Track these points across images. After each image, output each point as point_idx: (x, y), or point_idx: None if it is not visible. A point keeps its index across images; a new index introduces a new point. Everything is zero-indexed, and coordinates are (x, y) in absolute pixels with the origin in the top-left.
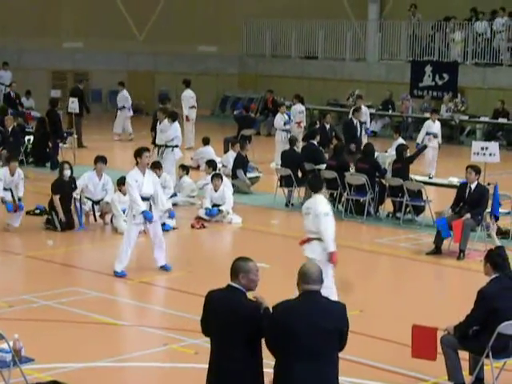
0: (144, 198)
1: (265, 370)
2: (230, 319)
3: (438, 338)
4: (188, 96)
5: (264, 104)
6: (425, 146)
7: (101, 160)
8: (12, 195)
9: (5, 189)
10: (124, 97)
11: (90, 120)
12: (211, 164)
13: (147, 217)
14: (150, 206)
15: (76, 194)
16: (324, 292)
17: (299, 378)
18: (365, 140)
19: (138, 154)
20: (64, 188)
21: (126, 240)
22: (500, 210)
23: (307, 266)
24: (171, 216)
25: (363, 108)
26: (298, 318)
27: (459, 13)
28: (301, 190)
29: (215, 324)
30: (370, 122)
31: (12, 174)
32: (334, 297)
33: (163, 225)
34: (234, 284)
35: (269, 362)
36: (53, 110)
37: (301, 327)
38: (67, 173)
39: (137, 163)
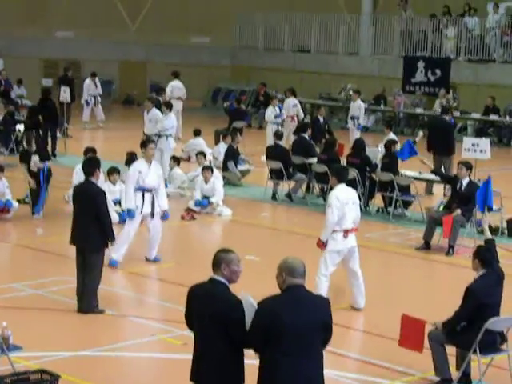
0: (147, 189)
1: (247, 361)
2: (212, 312)
3: (426, 331)
4: (176, 87)
5: (256, 96)
6: (414, 142)
7: (91, 151)
8: None
9: None
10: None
11: (80, 110)
12: (203, 154)
13: (130, 215)
14: (153, 198)
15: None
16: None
17: (286, 373)
18: (356, 135)
19: (143, 145)
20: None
21: (126, 229)
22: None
23: (291, 260)
24: (165, 217)
25: (359, 103)
26: (284, 314)
27: (452, 8)
28: (290, 183)
29: (198, 318)
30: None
31: None
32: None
33: None
34: (216, 277)
35: (250, 352)
36: (48, 99)
37: (287, 322)
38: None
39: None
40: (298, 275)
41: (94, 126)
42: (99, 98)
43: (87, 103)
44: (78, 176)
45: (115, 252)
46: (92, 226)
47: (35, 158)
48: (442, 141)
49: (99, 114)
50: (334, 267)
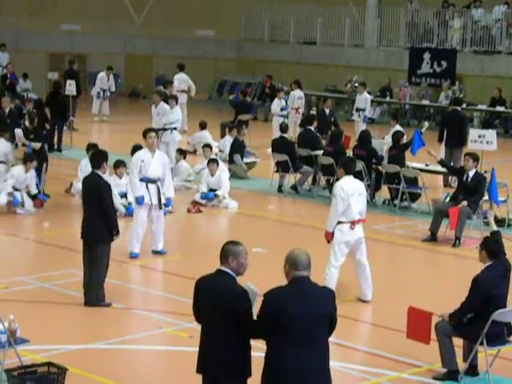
0: (151, 180)
1: (254, 353)
2: (220, 304)
3: (432, 323)
4: (181, 79)
5: (261, 89)
6: (420, 133)
7: (93, 148)
8: (22, 195)
9: (15, 189)
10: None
11: (86, 103)
12: (210, 147)
13: (139, 202)
14: (158, 188)
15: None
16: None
17: (291, 364)
18: (362, 127)
19: (143, 134)
20: None
21: (135, 221)
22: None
23: (296, 252)
24: (167, 204)
25: (365, 95)
26: (289, 305)
27: (456, 0)
28: (296, 175)
29: (205, 309)
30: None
31: (26, 172)
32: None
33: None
34: (223, 268)
35: (257, 345)
36: (58, 93)
37: (293, 313)
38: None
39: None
40: (301, 267)
41: (99, 119)
42: (108, 93)
43: (98, 96)
44: (83, 173)
45: (131, 245)
46: (97, 218)
47: (18, 131)
48: (456, 132)
49: (104, 109)
50: (344, 258)
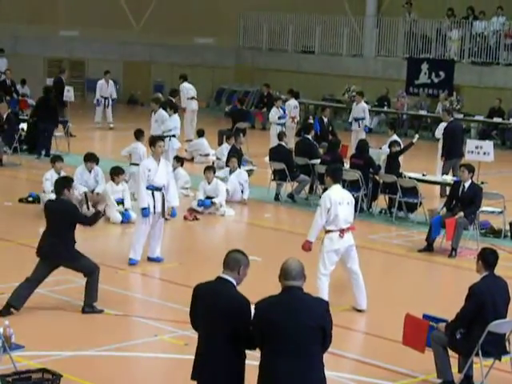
0: (157, 188)
1: (248, 362)
2: (220, 311)
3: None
4: (187, 87)
5: (260, 97)
6: (411, 143)
7: (90, 157)
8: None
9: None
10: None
11: (84, 109)
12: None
13: (144, 213)
14: (163, 196)
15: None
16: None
17: (282, 374)
18: (362, 136)
19: (152, 143)
20: None
21: (138, 230)
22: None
23: (288, 261)
24: (172, 215)
25: (363, 104)
26: (278, 314)
27: (456, 11)
28: (293, 184)
29: (204, 316)
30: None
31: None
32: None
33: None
34: (225, 276)
35: (253, 354)
36: (49, 98)
37: (282, 323)
38: None
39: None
40: (291, 277)
41: (102, 127)
42: (110, 101)
43: (98, 103)
44: (79, 181)
45: (133, 252)
46: (65, 239)
47: None
48: (459, 143)
49: (108, 116)
50: (333, 266)
